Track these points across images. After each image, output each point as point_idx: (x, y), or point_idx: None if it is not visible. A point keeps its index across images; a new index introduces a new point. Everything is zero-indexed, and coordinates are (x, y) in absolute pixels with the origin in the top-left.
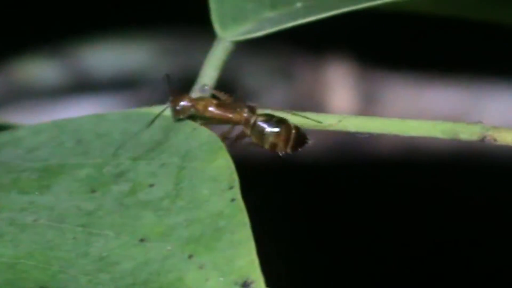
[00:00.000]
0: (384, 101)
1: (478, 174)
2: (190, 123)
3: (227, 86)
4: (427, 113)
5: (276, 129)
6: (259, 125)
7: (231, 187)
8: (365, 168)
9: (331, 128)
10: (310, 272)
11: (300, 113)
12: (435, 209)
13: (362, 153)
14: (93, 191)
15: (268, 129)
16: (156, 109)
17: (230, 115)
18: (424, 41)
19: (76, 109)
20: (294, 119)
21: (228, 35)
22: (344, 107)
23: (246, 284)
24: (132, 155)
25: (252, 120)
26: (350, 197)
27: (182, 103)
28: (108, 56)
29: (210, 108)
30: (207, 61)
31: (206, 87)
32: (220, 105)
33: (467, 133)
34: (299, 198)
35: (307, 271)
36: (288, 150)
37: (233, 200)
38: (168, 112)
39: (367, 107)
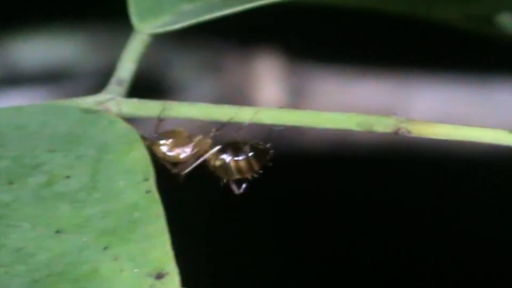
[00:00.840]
0: (313, 94)
1: (405, 168)
2: (107, 116)
3: (154, 80)
4: (356, 107)
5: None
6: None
7: (146, 179)
8: (293, 162)
9: (249, 121)
10: (229, 266)
11: (215, 105)
12: (357, 205)
13: (291, 146)
14: (10, 182)
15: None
16: (75, 102)
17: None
18: (353, 35)
19: (4, 101)
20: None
21: (145, 28)
22: (273, 100)
23: (160, 275)
24: (49, 147)
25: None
26: (274, 190)
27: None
28: (36, 49)
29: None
30: (124, 54)
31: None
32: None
33: (381, 125)
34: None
35: (226, 265)
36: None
37: (148, 192)
38: (86, 104)
39: (295, 101)
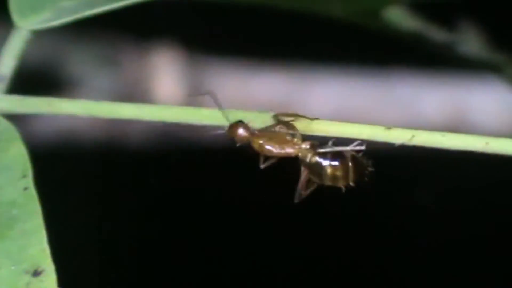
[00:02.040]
0: (211, 88)
1: None
2: None
3: (52, 75)
4: (255, 100)
5: (335, 163)
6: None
7: (24, 176)
8: (192, 158)
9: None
10: (114, 263)
11: (96, 102)
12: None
13: (185, 141)
14: None
15: (326, 163)
16: None
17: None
18: (250, 30)
19: None
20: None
21: (26, 24)
22: (171, 94)
23: (36, 272)
24: None
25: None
26: (170, 186)
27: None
28: None
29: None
30: (5, 50)
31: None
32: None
33: (259, 122)
34: (120, 185)
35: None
36: (350, 182)
37: (25, 189)
38: None
39: (192, 96)
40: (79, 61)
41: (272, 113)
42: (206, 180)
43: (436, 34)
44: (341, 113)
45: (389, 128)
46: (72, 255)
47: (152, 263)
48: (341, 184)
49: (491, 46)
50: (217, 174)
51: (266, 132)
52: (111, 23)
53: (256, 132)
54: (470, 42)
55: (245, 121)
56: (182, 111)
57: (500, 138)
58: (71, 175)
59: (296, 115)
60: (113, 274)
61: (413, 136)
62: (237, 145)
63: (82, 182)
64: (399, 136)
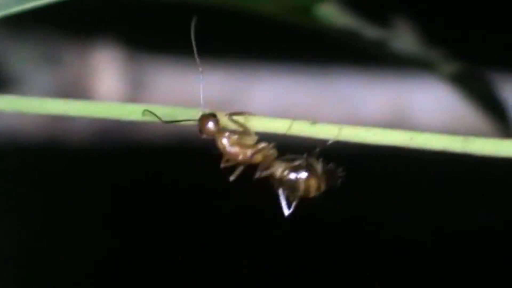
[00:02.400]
0: (152, 86)
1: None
2: None
3: None
4: (196, 99)
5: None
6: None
7: None
8: (133, 155)
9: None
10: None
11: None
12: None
13: (130, 139)
14: None
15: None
16: None
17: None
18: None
19: None
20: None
21: None
22: (112, 92)
23: None
24: None
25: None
26: (109, 183)
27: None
28: None
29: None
30: None
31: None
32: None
33: (186, 117)
34: (59, 183)
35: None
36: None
37: None
38: None
39: (135, 92)
40: (19, 58)
41: (199, 109)
42: (150, 177)
43: (369, 30)
44: (282, 111)
45: (314, 123)
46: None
47: (94, 259)
48: (314, 194)
49: (425, 43)
50: (161, 170)
51: (235, 133)
52: (51, 21)
53: (226, 130)
54: (404, 38)
55: (170, 117)
56: (122, 107)
57: (425, 133)
58: (12, 172)
59: (241, 113)
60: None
61: (339, 130)
62: (203, 137)
63: (23, 179)
64: (325, 131)
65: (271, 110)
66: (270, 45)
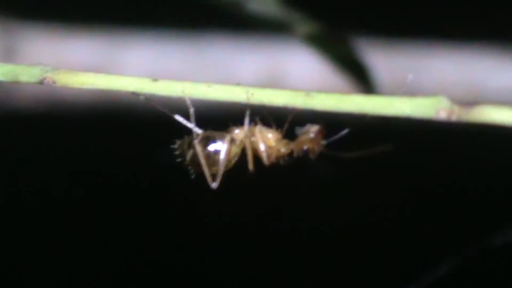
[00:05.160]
0: (25, 53)
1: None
2: None
3: None
4: (69, 64)
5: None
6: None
7: None
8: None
9: None
10: None
11: None
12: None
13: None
14: None
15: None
16: None
17: None
18: None
19: None
20: None
21: None
22: None
23: None
24: None
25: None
26: None
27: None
28: None
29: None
30: None
31: None
32: None
33: (27, 75)
34: None
35: None
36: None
37: None
38: None
39: (8, 60)
40: None
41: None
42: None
43: None
44: (155, 77)
45: (155, 80)
46: None
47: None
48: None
49: (283, 4)
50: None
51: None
52: None
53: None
54: (262, 0)
55: (11, 75)
56: None
57: (266, 89)
58: None
59: None
60: None
61: (183, 89)
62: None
63: None
64: (166, 88)
65: (143, 75)
66: (142, 10)
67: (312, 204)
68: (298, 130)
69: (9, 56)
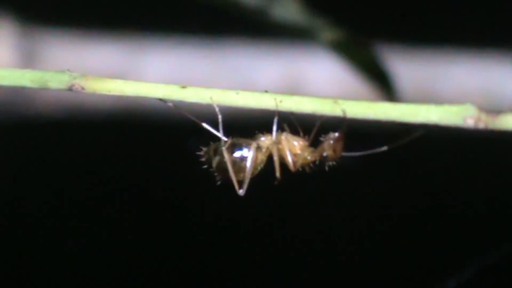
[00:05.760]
0: (46, 58)
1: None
2: None
3: None
4: (90, 70)
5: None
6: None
7: None
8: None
9: None
10: None
11: None
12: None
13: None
14: None
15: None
16: None
17: None
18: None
19: None
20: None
21: None
22: (4, 64)
23: None
24: None
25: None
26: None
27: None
28: None
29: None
30: None
31: None
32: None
33: (56, 82)
34: None
35: None
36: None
37: None
38: None
39: (28, 65)
40: None
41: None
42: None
43: None
44: (176, 83)
45: (184, 86)
46: None
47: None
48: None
49: (307, 10)
50: (57, 142)
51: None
52: None
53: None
54: (285, 6)
55: (40, 81)
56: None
57: (292, 96)
58: None
59: None
60: None
61: (211, 96)
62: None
63: None
64: (194, 95)
65: (165, 82)
66: (162, 16)
67: (315, 207)
68: (322, 138)
69: (29, 62)
